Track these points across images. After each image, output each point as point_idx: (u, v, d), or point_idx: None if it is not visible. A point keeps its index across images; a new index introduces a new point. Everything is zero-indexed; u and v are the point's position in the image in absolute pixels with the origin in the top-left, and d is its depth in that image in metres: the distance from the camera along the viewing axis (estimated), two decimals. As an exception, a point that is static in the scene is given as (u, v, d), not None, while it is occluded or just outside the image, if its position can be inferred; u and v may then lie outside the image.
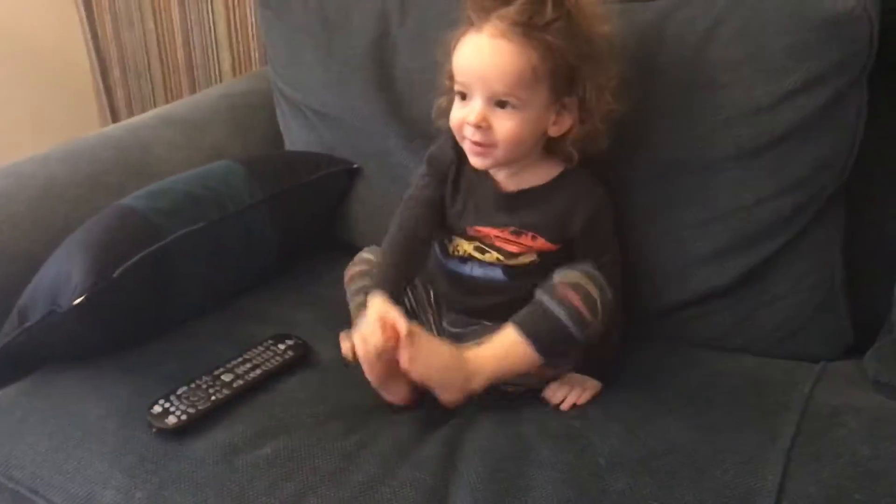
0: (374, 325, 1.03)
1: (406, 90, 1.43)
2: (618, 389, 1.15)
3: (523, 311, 1.08)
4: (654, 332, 1.30)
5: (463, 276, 1.20)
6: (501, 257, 1.16)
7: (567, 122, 1.11)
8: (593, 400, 1.13)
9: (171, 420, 1.08)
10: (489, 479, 0.98)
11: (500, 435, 1.06)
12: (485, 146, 1.08)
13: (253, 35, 2.15)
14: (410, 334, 1.01)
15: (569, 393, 1.12)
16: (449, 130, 1.15)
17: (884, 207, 1.27)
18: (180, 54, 2.33)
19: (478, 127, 1.06)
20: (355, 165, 1.53)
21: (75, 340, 1.21)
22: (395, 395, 1.10)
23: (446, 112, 1.14)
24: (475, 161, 1.12)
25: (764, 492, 0.94)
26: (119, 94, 2.49)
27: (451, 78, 1.12)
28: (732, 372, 1.20)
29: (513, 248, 1.16)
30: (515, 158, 1.12)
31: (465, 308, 1.22)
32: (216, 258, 1.32)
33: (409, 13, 1.43)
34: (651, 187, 1.25)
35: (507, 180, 1.17)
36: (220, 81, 2.29)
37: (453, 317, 1.24)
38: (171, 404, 1.10)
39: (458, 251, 1.20)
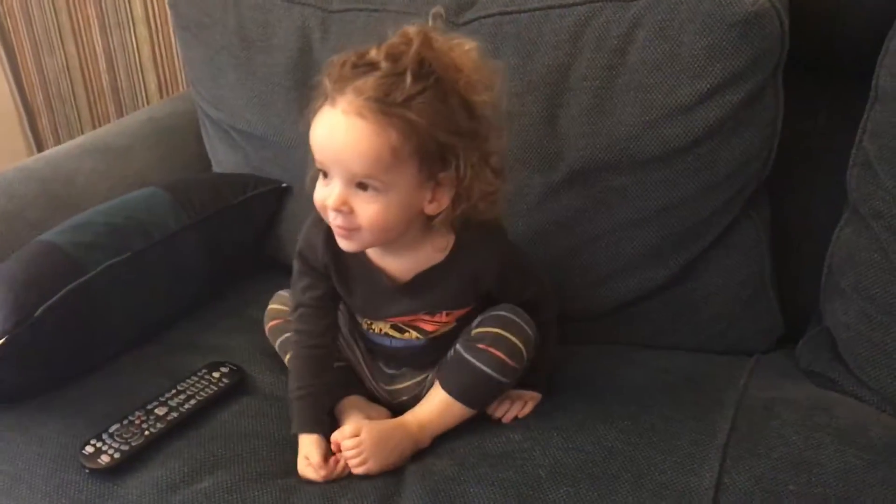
0: (314, 469, 1.04)
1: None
2: (557, 396, 1.15)
3: (448, 368, 1.09)
4: (591, 334, 1.31)
5: (383, 346, 1.16)
6: (420, 335, 1.12)
7: (445, 198, 0.99)
8: (534, 410, 1.13)
9: (104, 459, 1.04)
10: (431, 502, 0.97)
11: (441, 458, 1.05)
12: (349, 230, 0.98)
13: (178, 56, 2.11)
14: (356, 440, 1.02)
15: (510, 407, 1.12)
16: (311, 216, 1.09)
17: (806, 200, 1.30)
18: (105, 78, 2.28)
19: (337, 209, 0.96)
20: (283, 185, 1.51)
21: (-2, 384, 1.17)
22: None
23: (312, 184, 1.02)
24: (342, 244, 1.01)
25: (701, 490, 0.95)
26: (44, 121, 2.42)
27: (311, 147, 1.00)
28: (669, 369, 1.21)
29: (430, 327, 1.11)
30: (388, 240, 1.02)
31: (391, 362, 1.19)
32: (143, 289, 1.29)
33: (329, 29, 1.41)
34: (581, 190, 1.25)
35: (398, 269, 1.07)
36: (147, 104, 2.24)
37: (382, 362, 1.20)
38: (104, 443, 1.07)
39: (374, 329, 1.15)
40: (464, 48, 0.98)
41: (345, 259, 1.08)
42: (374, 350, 1.19)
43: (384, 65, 0.92)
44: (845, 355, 1.15)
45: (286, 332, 1.22)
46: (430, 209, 0.99)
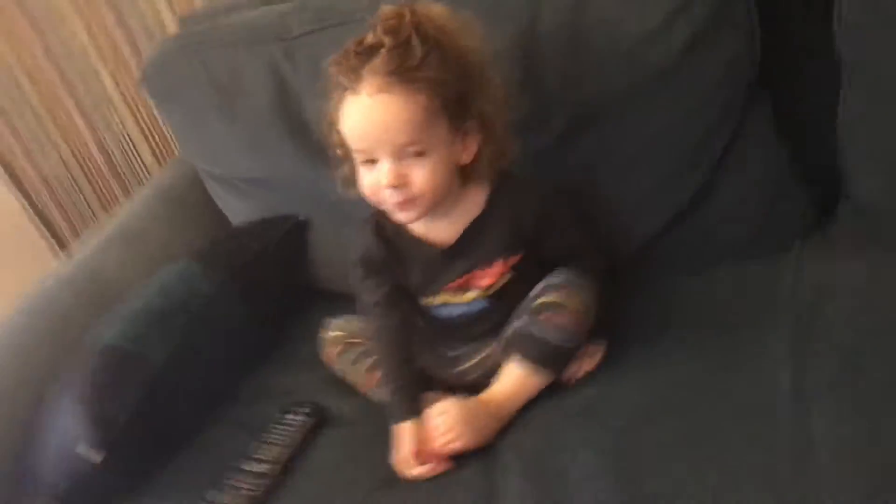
0: (406, 462, 1.08)
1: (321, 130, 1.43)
2: (615, 341, 1.16)
3: (518, 343, 1.10)
4: (635, 273, 1.31)
5: (446, 318, 1.20)
6: (480, 294, 1.16)
7: (474, 145, 1.08)
8: (602, 361, 1.14)
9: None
10: (533, 478, 1.00)
11: (528, 431, 1.08)
12: (407, 201, 1.05)
13: (163, 122, 2.13)
14: (445, 416, 1.07)
15: (578, 366, 1.14)
16: (364, 220, 1.17)
17: (803, 82, 1.29)
18: (100, 160, 2.31)
19: (395, 187, 1.03)
20: (301, 218, 1.53)
21: (98, 490, 1.21)
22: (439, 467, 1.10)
23: (352, 180, 1.11)
24: (403, 217, 1.09)
25: (783, 395, 0.95)
26: (57, 218, 2.47)
27: (343, 145, 1.08)
28: (715, 289, 1.22)
29: (487, 280, 1.15)
30: (439, 201, 1.09)
31: (454, 339, 1.23)
32: (203, 359, 1.33)
33: (296, 57, 1.41)
34: (578, 141, 1.26)
35: (445, 233, 1.14)
36: (148, 175, 2.28)
37: (446, 346, 1.24)
38: (211, 513, 1.11)
39: (435, 302, 1.19)
40: (438, 9, 1.05)
41: (395, 243, 1.15)
42: (437, 330, 1.22)
43: (387, 40, 0.99)
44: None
45: (348, 354, 1.26)
46: (465, 158, 1.07)
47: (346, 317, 1.31)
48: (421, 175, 1.03)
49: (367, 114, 1.01)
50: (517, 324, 1.12)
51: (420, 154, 1.02)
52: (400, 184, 1.03)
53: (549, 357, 1.09)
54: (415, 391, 1.16)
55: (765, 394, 0.97)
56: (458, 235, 1.13)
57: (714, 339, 1.10)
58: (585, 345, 1.14)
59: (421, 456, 1.08)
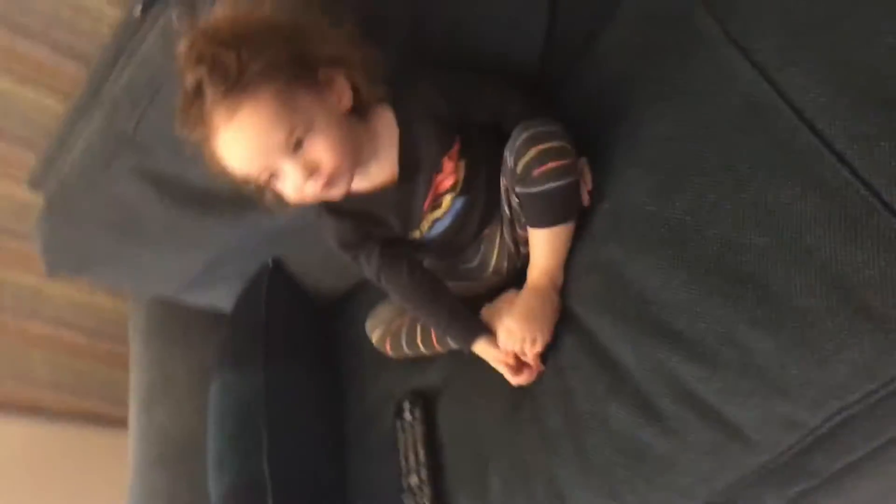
0: (507, 371, 1.14)
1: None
2: (591, 146, 1.14)
3: (526, 212, 1.09)
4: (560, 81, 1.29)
5: (442, 236, 1.19)
6: (451, 193, 1.15)
7: (344, 85, 1.05)
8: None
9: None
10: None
11: (579, 282, 1.11)
12: (329, 180, 1.03)
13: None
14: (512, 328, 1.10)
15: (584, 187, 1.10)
16: (317, 215, 1.17)
17: None
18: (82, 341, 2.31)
19: (309, 177, 1.01)
20: (269, 263, 1.52)
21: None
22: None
23: (279, 199, 1.09)
24: (336, 194, 1.07)
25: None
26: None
27: (246, 180, 1.05)
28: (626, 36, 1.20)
29: (449, 181, 1.13)
30: (358, 159, 1.07)
31: (461, 254, 1.24)
32: (302, 433, 1.37)
33: (149, 145, 1.35)
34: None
35: (384, 171, 1.12)
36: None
37: (459, 262, 1.26)
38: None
39: (424, 229, 1.18)
40: (216, 11, 1.04)
41: (355, 210, 1.14)
42: (442, 255, 1.24)
43: (201, 71, 0.97)
44: None
45: (399, 340, 1.30)
46: (346, 101, 1.04)
47: (372, 311, 1.31)
48: (322, 150, 1.01)
49: (236, 141, 0.99)
50: (515, 198, 1.11)
51: (307, 133, 1.00)
52: (312, 171, 1.01)
53: (562, 205, 1.08)
54: (466, 311, 1.19)
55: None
56: (397, 164, 1.12)
57: (656, 79, 1.10)
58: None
59: (514, 365, 1.12)
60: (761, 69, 0.96)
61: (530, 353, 1.10)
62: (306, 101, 1.00)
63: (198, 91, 0.98)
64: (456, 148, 1.12)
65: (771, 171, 0.92)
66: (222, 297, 1.61)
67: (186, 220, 1.41)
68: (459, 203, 1.16)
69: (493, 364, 1.16)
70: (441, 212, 1.16)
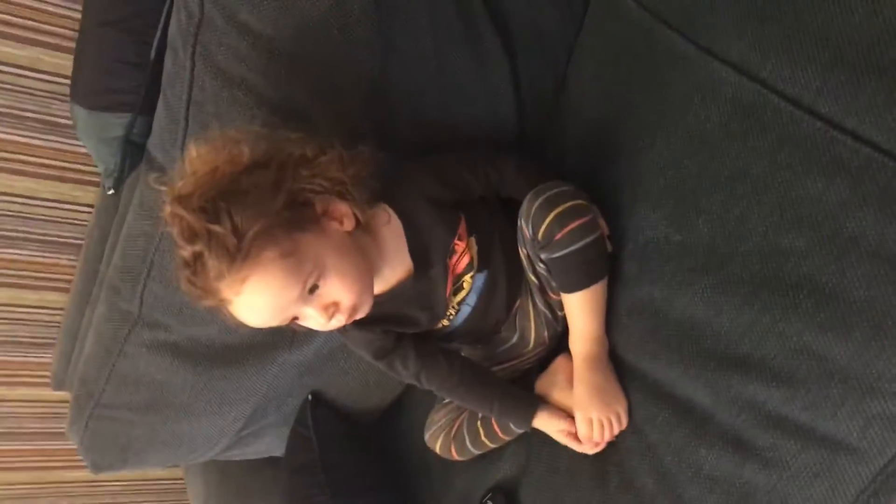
0: (567, 441, 1.11)
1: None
2: (595, 187, 1.09)
3: (557, 278, 1.05)
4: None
5: (471, 320, 1.15)
6: (470, 273, 1.11)
7: (342, 211, 1.01)
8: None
9: None
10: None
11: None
12: (350, 311, 1.00)
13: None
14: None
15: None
16: (344, 335, 1.14)
17: None
18: None
19: (332, 316, 0.98)
20: (309, 397, 1.48)
21: None
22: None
23: (306, 328, 1.05)
24: (362, 314, 1.03)
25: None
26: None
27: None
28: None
29: (465, 259, 1.09)
30: (371, 278, 1.03)
31: (495, 333, 1.21)
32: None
33: (157, 319, 1.33)
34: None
35: (398, 269, 1.08)
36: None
37: (493, 346, 1.23)
38: None
39: (452, 316, 1.14)
40: (194, 164, 0.96)
41: (381, 316, 1.10)
42: (477, 338, 1.20)
43: (198, 246, 0.92)
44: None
45: (458, 439, 1.25)
46: (348, 225, 1.01)
47: (428, 421, 1.28)
48: (338, 288, 0.97)
49: (255, 307, 0.95)
50: (541, 265, 1.07)
51: (320, 279, 0.96)
52: (333, 310, 0.98)
53: (592, 263, 1.04)
54: (516, 389, 1.15)
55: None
56: (409, 259, 1.07)
57: (638, 107, 1.07)
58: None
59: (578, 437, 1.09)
60: (743, 70, 0.93)
61: (617, 430, 1.05)
62: (311, 244, 0.96)
63: (196, 262, 0.93)
64: (462, 226, 1.09)
65: (787, 168, 0.87)
66: (272, 444, 1.57)
67: (214, 380, 1.38)
68: (481, 279, 1.12)
69: (557, 437, 1.12)
70: (464, 293, 1.12)
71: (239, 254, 0.91)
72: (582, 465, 1.11)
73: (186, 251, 0.94)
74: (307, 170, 0.98)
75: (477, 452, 1.24)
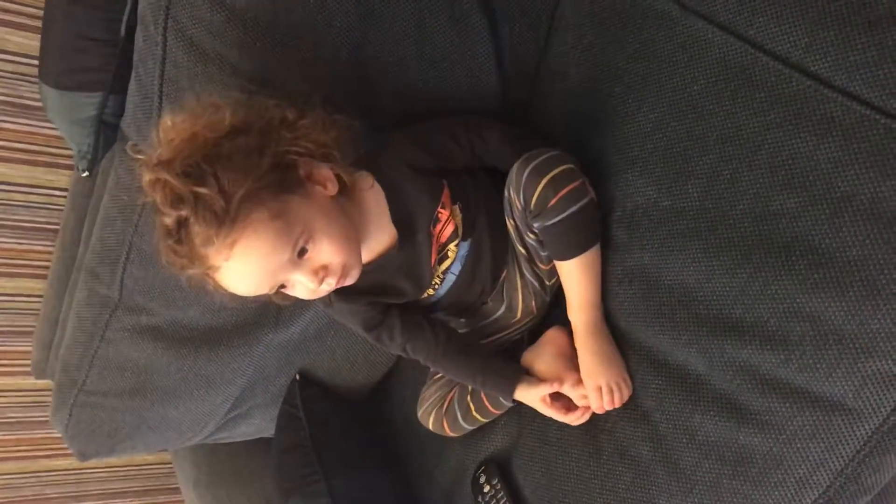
0: (550, 411, 1.09)
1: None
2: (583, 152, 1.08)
3: (551, 247, 1.04)
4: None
5: (457, 288, 1.14)
6: (455, 241, 1.09)
7: (326, 174, 0.99)
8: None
9: None
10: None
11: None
12: (342, 274, 0.98)
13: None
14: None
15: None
16: (327, 307, 1.12)
17: None
18: None
19: (322, 280, 0.96)
20: (297, 377, 1.46)
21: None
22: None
23: (293, 300, 1.04)
24: (350, 282, 1.02)
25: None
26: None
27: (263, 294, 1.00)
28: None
29: (449, 227, 1.08)
30: (358, 243, 1.02)
31: (480, 302, 1.19)
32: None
33: (138, 303, 1.30)
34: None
35: (383, 238, 1.07)
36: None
37: (478, 319, 1.22)
38: None
39: (437, 285, 1.13)
40: (175, 128, 0.94)
41: (367, 287, 1.09)
42: (464, 307, 1.19)
43: (184, 211, 0.89)
44: None
45: (450, 412, 1.23)
46: (332, 189, 0.99)
47: (420, 398, 1.27)
48: (327, 250, 0.96)
49: (241, 273, 0.93)
50: (530, 235, 1.06)
51: (308, 240, 0.94)
52: (323, 274, 0.96)
53: (586, 228, 1.02)
54: (499, 361, 1.14)
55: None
56: (392, 228, 1.06)
57: (623, 71, 1.06)
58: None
59: (562, 404, 1.08)
60: (730, 29, 0.91)
61: (627, 395, 1.03)
62: (298, 207, 0.94)
63: (181, 228, 0.91)
64: (446, 194, 1.07)
65: (778, 127, 0.86)
66: (262, 425, 1.55)
67: (199, 363, 1.36)
68: (465, 248, 1.11)
69: (539, 408, 1.10)
70: (449, 262, 1.11)
71: (227, 216, 0.88)
72: (574, 436, 1.10)
73: (170, 217, 0.91)
74: (289, 132, 0.96)
75: (469, 428, 1.23)
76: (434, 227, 1.07)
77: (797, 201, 0.84)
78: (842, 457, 0.85)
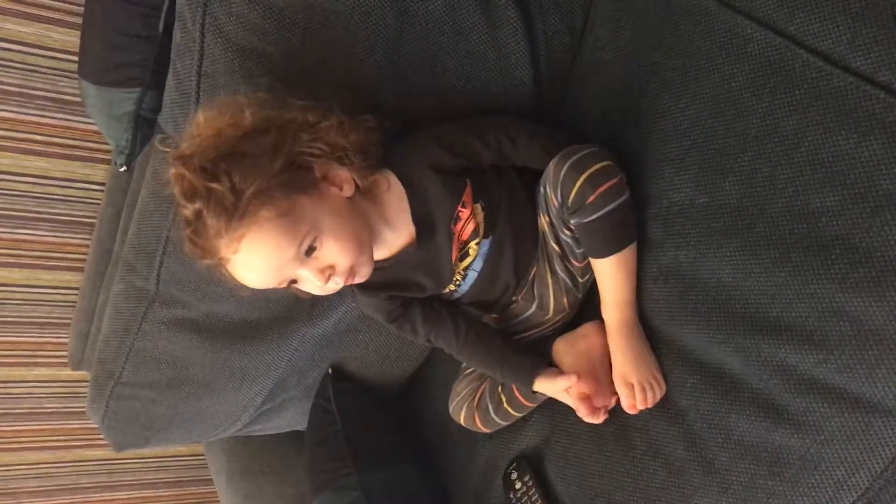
0: (573, 401, 1.08)
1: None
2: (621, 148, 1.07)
3: (587, 243, 1.03)
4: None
5: (480, 285, 1.14)
6: (475, 240, 1.09)
7: (339, 173, 1.01)
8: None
9: None
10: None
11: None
12: (351, 273, 1.01)
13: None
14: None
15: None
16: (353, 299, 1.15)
17: None
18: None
19: (329, 279, 1.00)
20: (329, 371, 1.47)
21: None
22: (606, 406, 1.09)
23: (310, 294, 1.07)
24: (362, 278, 1.04)
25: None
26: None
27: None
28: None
29: (470, 227, 1.08)
30: (369, 242, 1.04)
31: (506, 298, 1.18)
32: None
33: (172, 294, 1.31)
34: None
35: (402, 235, 1.08)
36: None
37: (508, 317, 1.22)
38: None
39: (459, 281, 1.13)
40: (198, 127, 0.99)
41: (386, 282, 1.12)
42: (488, 305, 1.19)
43: (197, 204, 0.95)
44: None
45: (482, 404, 1.23)
46: (347, 190, 1.02)
47: (451, 394, 1.27)
48: (334, 250, 0.98)
49: (248, 266, 0.98)
50: (566, 231, 1.05)
51: (316, 238, 0.97)
52: (329, 273, 0.99)
53: (625, 225, 1.02)
54: (518, 352, 1.14)
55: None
56: (412, 226, 1.07)
57: (659, 67, 1.05)
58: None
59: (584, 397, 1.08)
60: (769, 25, 0.90)
61: (659, 395, 1.03)
62: (308, 206, 0.97)
63: (197, 221, 0.96)
64: (468, 193, 1.08)
65: (818, 125, 0.85)
66: (294, 418, 1.56)
67: (234, 355, 1.37)
68: (486, 245, 1.11)
69: (561, 398, 1.11)
70: (470, 259, 1.11)
71: (236, 212, 0.93)
72: (606, 433, 1.10)
73: (188, 209, 0.96)
74: (307, 134, 0.99)
75: (501, 422, 1.23)
76: (455, 225, 1.08)
77: (837, 199, 0.83)
78: (882, 459, 0.84)
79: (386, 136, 1.07)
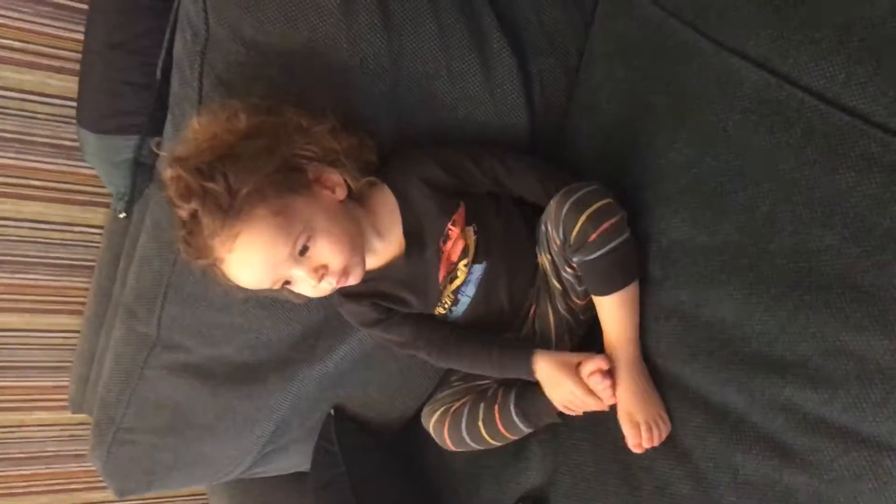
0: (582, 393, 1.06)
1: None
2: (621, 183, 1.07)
3: (589, 280, 1.03)
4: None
5: (470, 308, 1.14)
6: (466, 261, 1.09)
7: (333, 177, 1.03)
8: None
9: None
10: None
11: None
12: (342, 274, 1.02)
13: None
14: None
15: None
16: (333, 296, 1.12)
17: None
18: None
19: (322, 278, 1.00)
20: (331, 412, 1.46)
21: None
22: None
23: (303, 298, 1.09)
24: (352, 283, 1.05)
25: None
26: None
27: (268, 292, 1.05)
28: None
29: (459, 246, 1.08)
30: (361, 246, 1.05)
31: (501, 323, 1.16)
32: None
33: (168, 345, 1.31)
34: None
35: (391, 247, 1.09)
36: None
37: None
38: None
39: (447, 303, 1.13)
40: (193, 130, 1.01)
41: (371, 291, 1.12)
42: (484, 329, 1.16)
43: (193, 204, 0.96)
44: None
45: (457, 422, 1.20)
46: (340, 194, 1.04)
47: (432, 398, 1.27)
48: (327, 250, 1.00)
49: (242, 265, 0.99)
50: (567, 269, 1.06)
51: (309, 238, 0.99)
52: (322, 272, 1.00)
53: (627, 263, 1.02)
54: (513, 342, 1.13)
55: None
56: (402, 237, 1.09)
57: (654, 106, 1.06)
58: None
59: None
60: (764, 65, 0.91)
61: (665, 433, 1.02)
62: (302, 206, 0.99)
63: (193, 222, 0.98)
64: (461, 213, 1.08)
65: (815, 163, 0.85)
66: (297, 460, 1.55)
67: (235, 399, 1.36)
68: (479, 270, 1.11)
69: (559, 394, 1.07)
70: (459, 282, 1.11)
71: (231, 210, 0.95)
72: (612, 473, 1.09)
73: (184, 210, 0.98)
74: (301, 137, 1.01)
75: (468, 441, 1.19)
76: (444, 243, 1.08)
77: (838, 238, 0.83)
78: (891, 497, 0.83)
79: (378, 148, 1.09)
